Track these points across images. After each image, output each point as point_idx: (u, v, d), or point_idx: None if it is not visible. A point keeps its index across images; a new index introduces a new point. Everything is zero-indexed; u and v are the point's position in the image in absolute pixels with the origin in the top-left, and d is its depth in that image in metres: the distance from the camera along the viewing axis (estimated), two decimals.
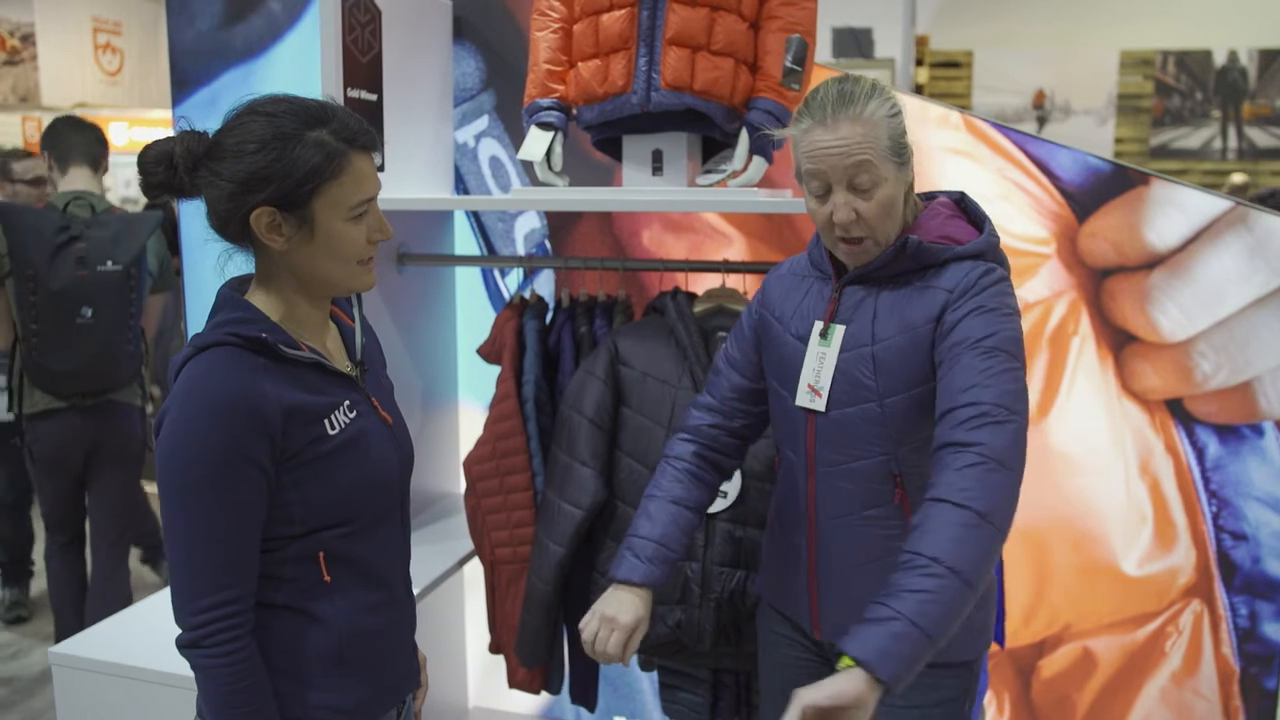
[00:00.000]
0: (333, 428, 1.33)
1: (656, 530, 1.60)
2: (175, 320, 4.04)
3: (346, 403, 1.37)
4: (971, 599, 1.30)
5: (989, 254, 1.56)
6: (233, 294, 1.36)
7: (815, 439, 1.56)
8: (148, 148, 1.32)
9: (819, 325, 1.56)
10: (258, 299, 1.36)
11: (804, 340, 1.57)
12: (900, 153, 1.50)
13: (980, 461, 1.33)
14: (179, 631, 1.28)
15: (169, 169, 1.30)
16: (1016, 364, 1.43)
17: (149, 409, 3.42)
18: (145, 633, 2.12)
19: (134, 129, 7.85)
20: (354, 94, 2.10)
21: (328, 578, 1.35)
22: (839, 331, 1.54)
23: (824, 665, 1.65)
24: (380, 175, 1.40)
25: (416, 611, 1.55)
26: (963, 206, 1.63)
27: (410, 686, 1.51)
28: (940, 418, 1.40)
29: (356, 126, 1.33)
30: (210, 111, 2.94)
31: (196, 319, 3.02)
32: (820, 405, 1.54)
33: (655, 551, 1.59)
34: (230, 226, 1.31)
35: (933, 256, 1.51)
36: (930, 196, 1.64)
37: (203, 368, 1.26)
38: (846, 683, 1.24)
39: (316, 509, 1.33)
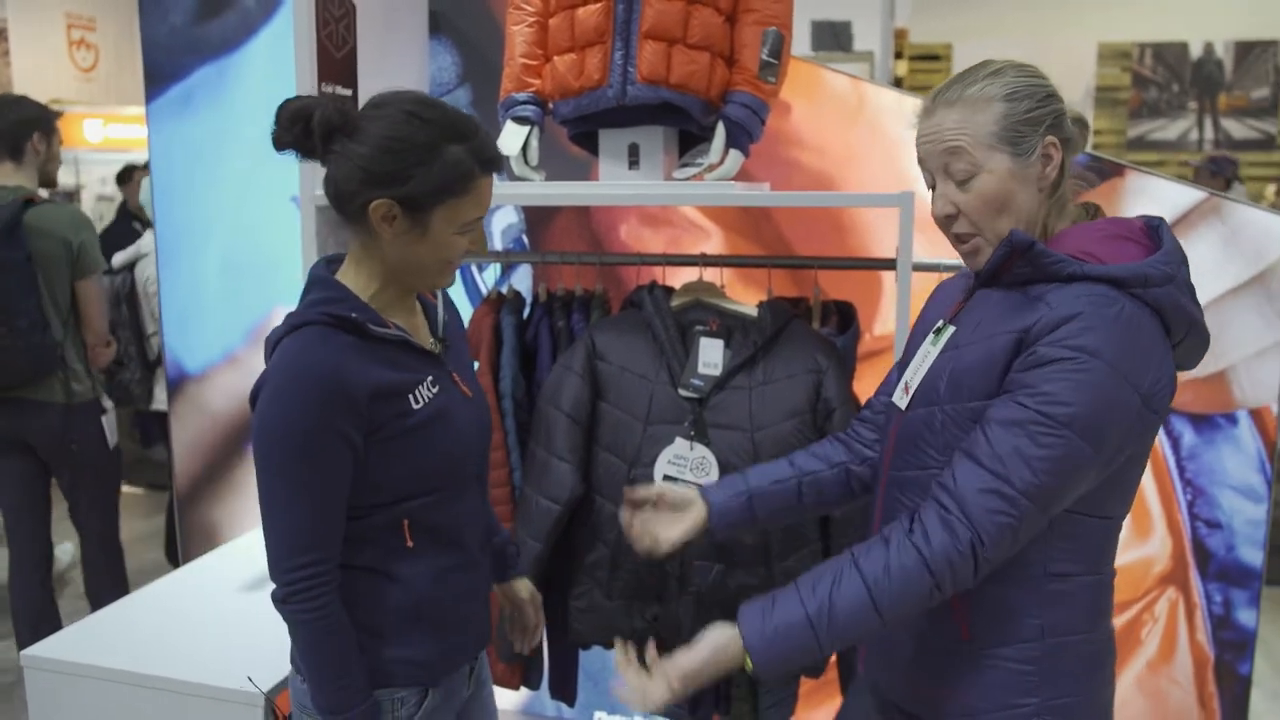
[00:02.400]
0: (417, 403, 1.40)
1: (759, 477, 1.61)
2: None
3: (430, 378, 1.43)
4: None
5: (1134, 284, 1.28)
6: (324, 273, 1.42)
7: (895, 442, 1.46)
8: (288, 101, 1.35)
9: (941, 324, 1.45)
10: (348, 277, 1.42)
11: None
12: (1017, 140, 1.32)
13: (918, 551, 1.26)
14: (273, 586, 1.37)
15: (305, 130, 1.33)
16: (1046, 445, 1.22)
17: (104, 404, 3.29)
18: (118, 634, 2.10)
19: (109, 126, 7.77)
20: (328, 89, 2.09)
21: (410, 543, 1.43)
22: (948, 332, 1.42)
23: None
24: None
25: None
26: (1153, 234, 1.38)
27: (483, 643, 1.59)
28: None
29: (491, 150, 1.39)
30: (184, 108, 2.92)
31: (172, 316, 3.00)
32: (903, 403, 1.44)
33: (736, 486, 1.60)
34: (347, 205, 1.36)
35: (1052, 266, 1.30)
36: (1120, 218, 1.42)
37: (296, 345, 1.34)
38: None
39: (402, 480, 1.40)
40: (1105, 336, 1.24)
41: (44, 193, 3.13)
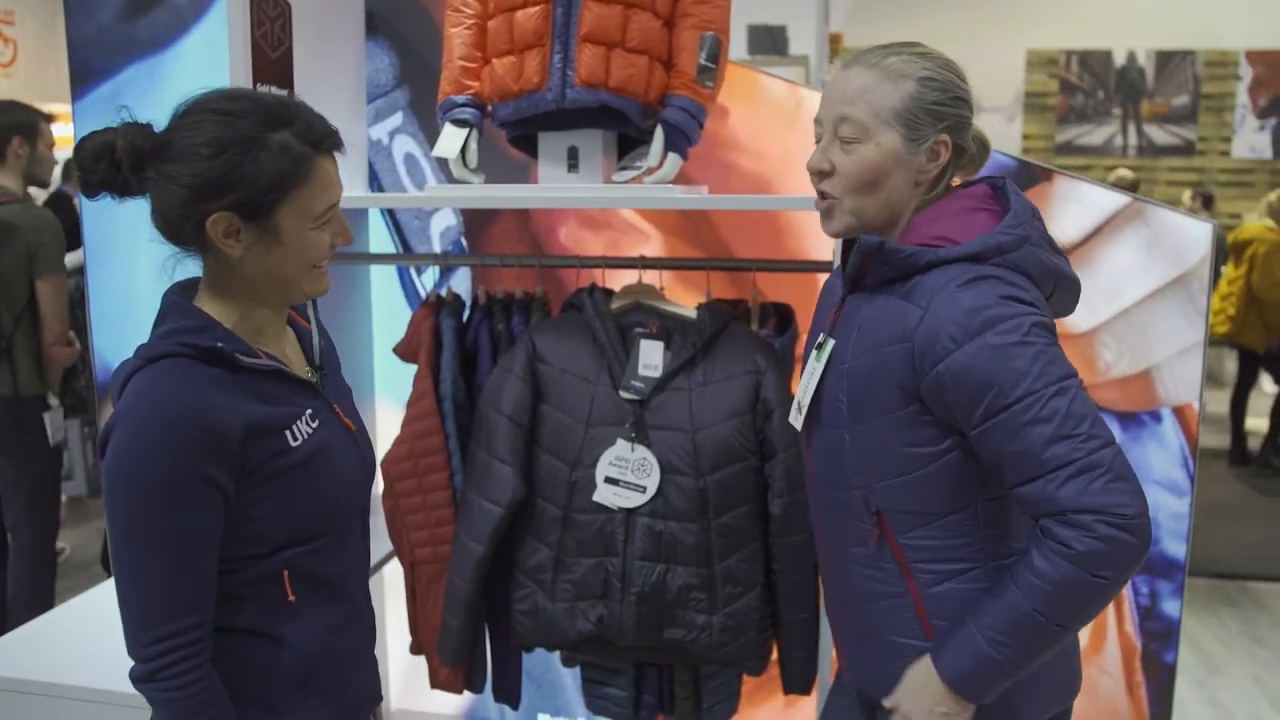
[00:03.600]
0: (295, 439, 1.26)
1: None
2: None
3: (309, 412, 1.30)
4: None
5: (990, 255, 1.30)
6: (181, 300, 1.28)
7: (812, 463, 1.47)
8: (85, 139, 1.21)
9: (821, 337, 1.45)
10: (208, 305, 1.27)
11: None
12: (913, 125, 1.32)
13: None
14: (131, 664, 1.20)
15: (111, 165, 1.20)
16: (1054, 408, 1.23)
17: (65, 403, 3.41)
18: (61, 646, 2.06)
19: None
20: (264, 89, 2.06)
21: (292, 597, 1.28)
22: (829, 347, 1.41)
23: None
24: None
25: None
26: (1000, 195, 1.39)
27: (374, 701, 1.46)
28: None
29: (322, 128, 1.25)
30: (112, 107, 2.86)
31: (102, 321, 2.93)
32: (799, 423, 1.46)
33: None
34: (181, 231, 1.23)
35: (906, 260, 1.31)
36: (972, 184, 1.43)
37: (151, 381, 1.19)
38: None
39: (280, 526, 1.26)
40: (985, 305, 1.26)
41: (35, 192, 3.36)
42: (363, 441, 1.42)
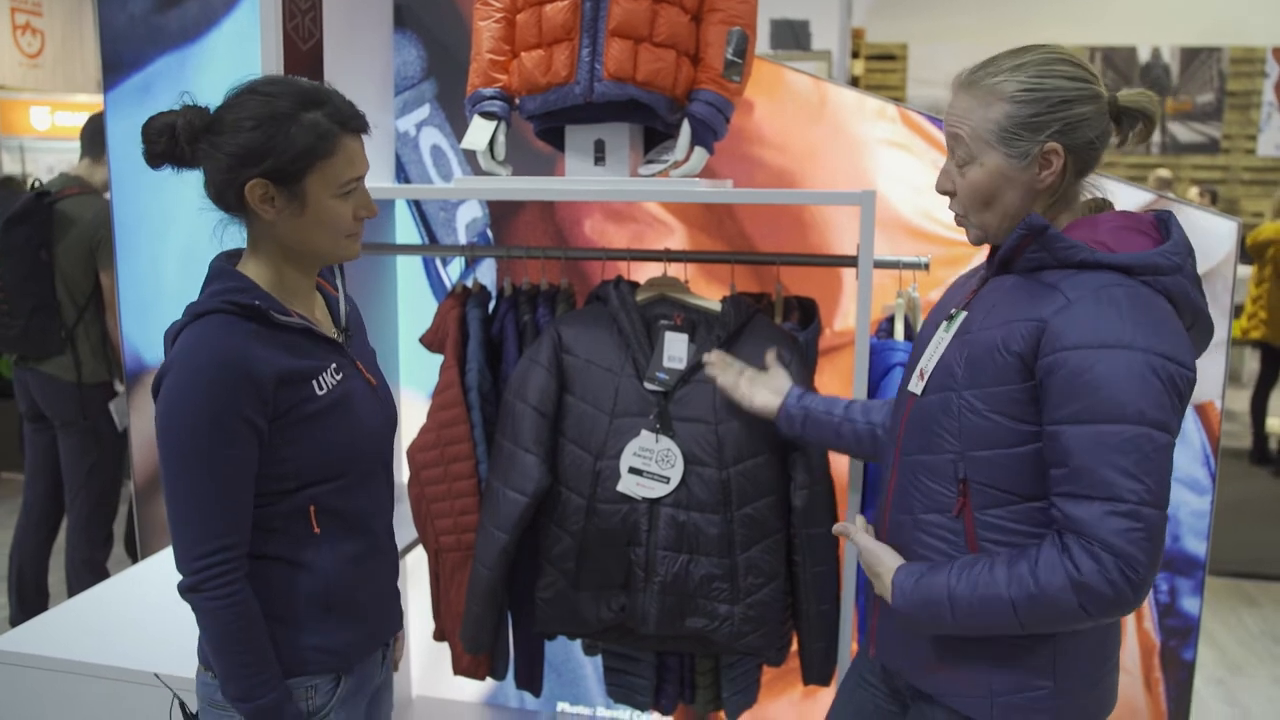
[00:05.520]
0: (320, 389, 1.43)
1: (818, 404, 1.81)
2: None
3: (333, 365, 1.47)
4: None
5: (1144, 271, 1.32)
6: (225, 265, 1.45)
7: (906, 426, 1.50)
8: (151, 119, 1.39)
9: (953, 311, 1.48)
10: (249, 268, 1.45)
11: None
12: (1012, 142, 1.35)
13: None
14: (180, 578, 1.37)
15: (171, 140, 1.38)
16: (1130, 449, 1.26)
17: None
18: (82, 627, 2.09)
19: (56, 113, 7.63)
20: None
21: (317, 529, 1.45)
22: (960, 318, 1.45)
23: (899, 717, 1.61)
24: None
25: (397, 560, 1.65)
26: (1162, 227, 1.40)
27: (393, 629, 1.62)
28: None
29: (349, 110, 1.43)
30: (144, 97, 2.89)
31: (131, 309, 2.97)
32: (919, 389, 1.47)
33: (803, 402, 1.80)
34: (226, 196, 1.41)
35: (1065, 251, 1.33)
36: (1130, 211, 1.45)
37: (199, 333, 1.36)
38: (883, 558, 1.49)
39: (307, 466, 1.42)
40: (1131, 325, 1.27)
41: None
42: (384, 395, 1.59)
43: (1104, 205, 1.46)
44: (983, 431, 1.37)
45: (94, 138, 3.49)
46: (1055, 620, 1.32)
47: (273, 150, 1.36)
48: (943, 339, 1.46)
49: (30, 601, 3.57)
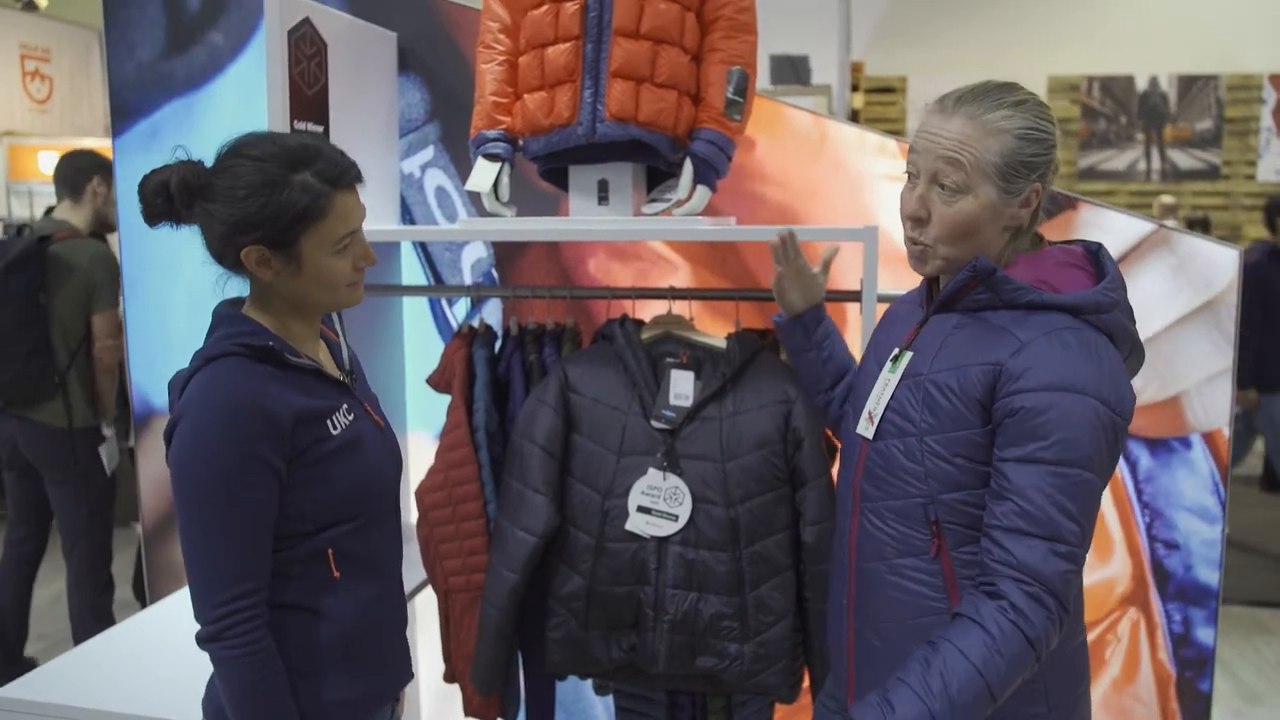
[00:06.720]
0: (334, 428, 1.44)
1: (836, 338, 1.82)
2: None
3: (344, 406, 1.48)
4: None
5: (1088, 311, 1.35)
6: (232, 310, 1.46)
7: (862, 471, 1.49)
8: (146, 178, 1.41)
9: (896, 351, 1.48)
10: (253, 316, 1.46)
11: (882, 366, 1.50)
12: (1010, 179, 1.35)
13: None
14: (198, 628, 1.35)
15: (166, 199, 1.39)
16: (1075, 492, 1.28)
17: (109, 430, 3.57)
18: (91, 674, 2.08)
19: None
20: (300, 126, 2.10)
21: (337, 574, 1.44)
22: (906, 359, 1.45)
23: None
24: None
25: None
26: (1095, 260, 1.44)
27: (406, 677, 1.60)
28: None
29: (340, 167, 1.42)
30: (152, 142, 2.92)
31: (139, 352, 2.99)
32: (869, 433, 1.47)
33: (826, 329, 1.80)
34: (225, 259, 1.42)
35: (1012, 293, 1.35)
36: (1069, 243, 1.47)
37: (212, 377, 1.36)
38: None
39: (324, 507, 1.42)
40: (1084, 370, 1.30)
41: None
42: (390, 437, 1.60)
43: (1040, 240, 1.48)
44: (949, 475, 1.38)
45: (66, 179, 3.51)
46: (1017, 681, 1.31)
47: (266, 219, 1.36)
48: (889, 379, 1.46)
49: (13, 648, 3.58)
